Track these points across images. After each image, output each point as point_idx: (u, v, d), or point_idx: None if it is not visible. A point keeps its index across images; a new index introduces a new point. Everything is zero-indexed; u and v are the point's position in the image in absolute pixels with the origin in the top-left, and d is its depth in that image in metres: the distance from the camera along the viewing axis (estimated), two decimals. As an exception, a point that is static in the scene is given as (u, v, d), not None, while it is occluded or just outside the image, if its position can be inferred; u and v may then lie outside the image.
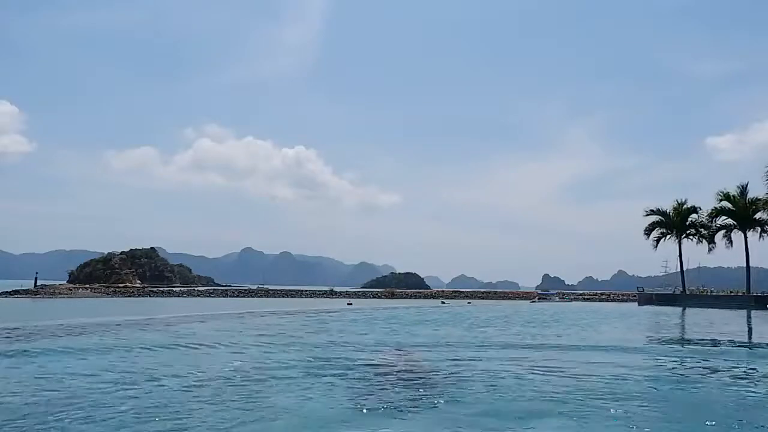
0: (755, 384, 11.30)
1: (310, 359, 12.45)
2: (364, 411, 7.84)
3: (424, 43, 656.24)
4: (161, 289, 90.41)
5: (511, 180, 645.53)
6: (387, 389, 9.38)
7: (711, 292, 65.25)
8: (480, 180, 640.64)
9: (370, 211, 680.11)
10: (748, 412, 8.53)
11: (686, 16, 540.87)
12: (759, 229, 58.33)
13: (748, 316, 38.12)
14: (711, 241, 62.56)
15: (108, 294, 75.03)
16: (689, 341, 21.37)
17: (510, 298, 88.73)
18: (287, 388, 9.27)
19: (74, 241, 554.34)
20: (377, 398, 8.66)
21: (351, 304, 58.04)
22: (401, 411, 7.84)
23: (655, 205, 66.97)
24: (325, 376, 10.36)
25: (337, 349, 14.49)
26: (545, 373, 11.01)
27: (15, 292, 67.26)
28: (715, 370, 12.82)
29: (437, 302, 69.86)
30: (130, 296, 73.84)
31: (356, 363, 11.97)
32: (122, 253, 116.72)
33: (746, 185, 59.45)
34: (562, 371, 11.20)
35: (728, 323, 31.31)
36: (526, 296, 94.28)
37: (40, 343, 16.66)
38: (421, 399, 8.58)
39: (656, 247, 66.00)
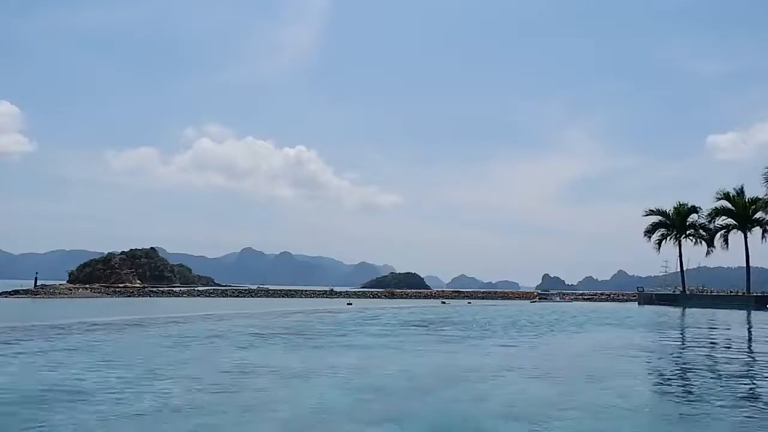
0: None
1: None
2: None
3: (424, 43, 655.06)
4: (161, 289, 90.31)
5: (511, 180, 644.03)
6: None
7: (711, 292, 65.19)
8: (480, 180, 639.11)
9: (370, 211, 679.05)
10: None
11: (686, 15, 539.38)
12: (760, 229, 58.26)
13: (749, 316, 38.10)
14: (711, 241, 62.48)
15: (108, 294, 74.91)
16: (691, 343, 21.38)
17: (510, 298, 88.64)
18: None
19: (74, 241, 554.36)
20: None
21: (351, 304, 57.94)
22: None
23: (655, 205, 66.95)
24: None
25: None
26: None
27: (15, 292, 67.20)
28: (716, 370, 12.82)
29: (437, 302, 69.86)
30: (130, 296, 73.81)
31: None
32: (122, 253, 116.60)
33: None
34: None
35: (729, 323, 31.29)
36: (526, 296, 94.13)
37: (39, 343, 16.65)
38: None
39: (659, 249, 65.89)
